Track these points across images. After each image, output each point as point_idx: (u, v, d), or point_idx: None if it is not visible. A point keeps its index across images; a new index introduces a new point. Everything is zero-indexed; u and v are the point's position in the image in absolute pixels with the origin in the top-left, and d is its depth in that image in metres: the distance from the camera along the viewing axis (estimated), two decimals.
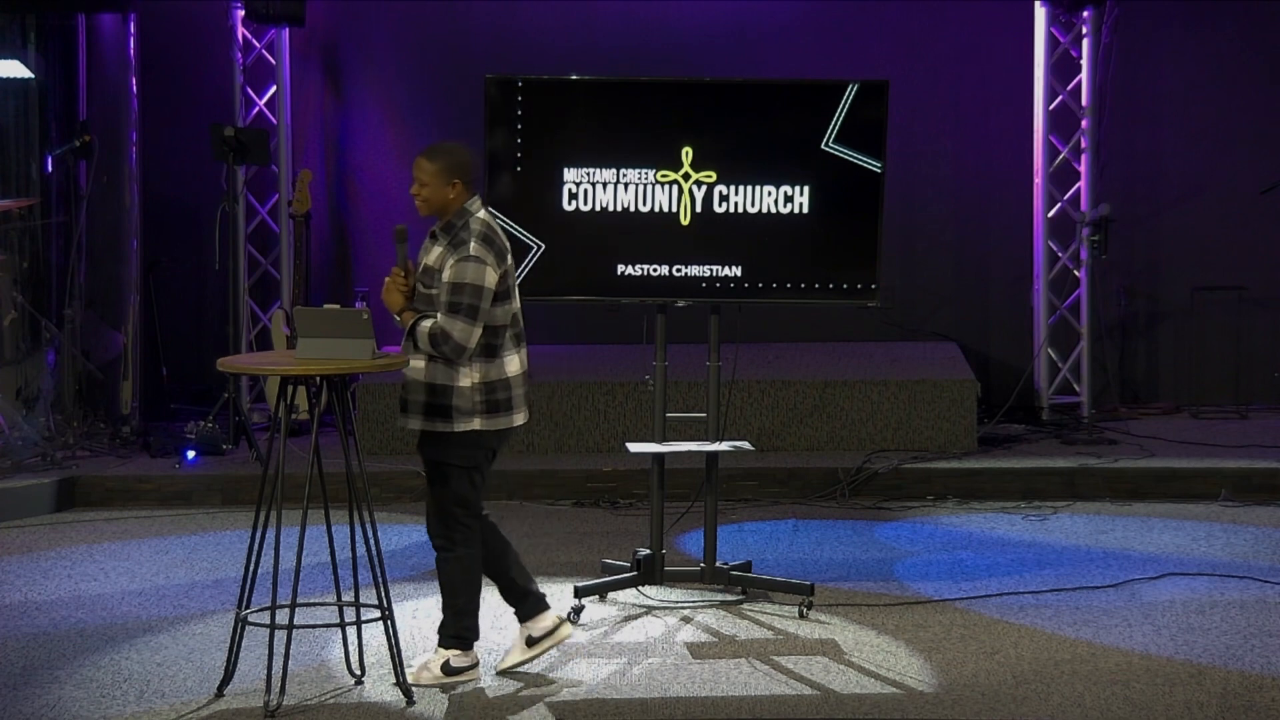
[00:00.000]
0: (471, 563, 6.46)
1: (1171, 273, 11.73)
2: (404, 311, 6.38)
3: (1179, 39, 11.64)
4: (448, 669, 6.45)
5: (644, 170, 7.53)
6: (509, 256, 6.42)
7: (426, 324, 6.29)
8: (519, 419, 6.46)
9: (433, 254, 6.38)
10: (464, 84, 10.97)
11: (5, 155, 10.74)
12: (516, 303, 6.47)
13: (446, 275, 6.28)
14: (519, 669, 6.57)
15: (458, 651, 6.47)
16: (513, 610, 6.62)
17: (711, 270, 7.59)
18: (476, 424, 6.34)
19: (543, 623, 6.57)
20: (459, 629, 6.48)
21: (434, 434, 6.38)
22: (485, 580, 6.53)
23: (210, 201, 10.91)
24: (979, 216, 11.87)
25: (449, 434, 6.35)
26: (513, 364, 6.43)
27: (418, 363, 6.36)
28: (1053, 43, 11.33)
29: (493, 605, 7.44)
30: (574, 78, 7.92)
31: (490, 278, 6.28)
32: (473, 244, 6.29)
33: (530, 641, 6.57)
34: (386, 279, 6.42)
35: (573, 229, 7.51)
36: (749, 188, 7.55)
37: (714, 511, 7.67)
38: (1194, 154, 11.68)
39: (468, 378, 6.33)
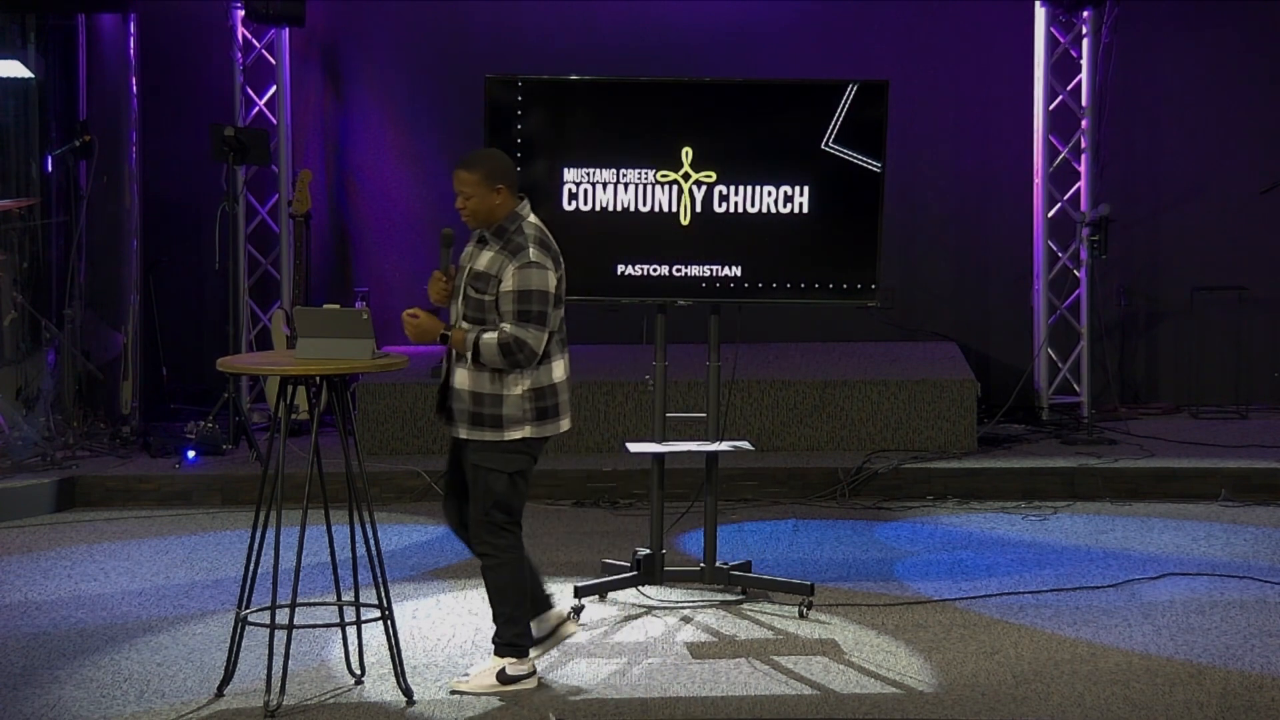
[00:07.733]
0: (518, 568, 6.38)
1: (1171, 273, 11.72)
2: (454, 328, 6.29)
3: (1179, 39, 11.63)
4: (503, 677, 6.35)
5: (644, 170, 7.53)
6: (561, 261, 6.36)
7: (491, 336, 6.19)
8: (565, 424, 6.41)
9: (483, 259, 6.27)
10: (464, 84, 10.97)
11: (5, 155, 10.74)
12: (563, 308, 6.42)
13: (509, 284, 6.20)
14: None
15: (513, 660, 6.37)
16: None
17: (711, 270, 7.58)
18: (527, 431, 6.29)
19: (547, 621, 6.55)
20: (512, 636, 6.39)
21: (482, 441, 6.30)
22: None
23: (210, 201, 10.91)
24: (979, 216, 11.86)
25: (498, 441, 6.29)
26: (559, 370, 6.37)
27: (463, 371, 6.29)
28: (1053, 43, 11.33)
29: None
30: (574, 78, 7.91)
31: (552, 282, 6.25)
32: (532, 250, 6.22)
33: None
34: (430, 281, 6.33)
35: (573, 229, 7.49)
36: (749, 188, 7.54)
37: (714, 511, 7.67)
38: (1194, 154, 11.68)
39: (518, 385, 6.26)
